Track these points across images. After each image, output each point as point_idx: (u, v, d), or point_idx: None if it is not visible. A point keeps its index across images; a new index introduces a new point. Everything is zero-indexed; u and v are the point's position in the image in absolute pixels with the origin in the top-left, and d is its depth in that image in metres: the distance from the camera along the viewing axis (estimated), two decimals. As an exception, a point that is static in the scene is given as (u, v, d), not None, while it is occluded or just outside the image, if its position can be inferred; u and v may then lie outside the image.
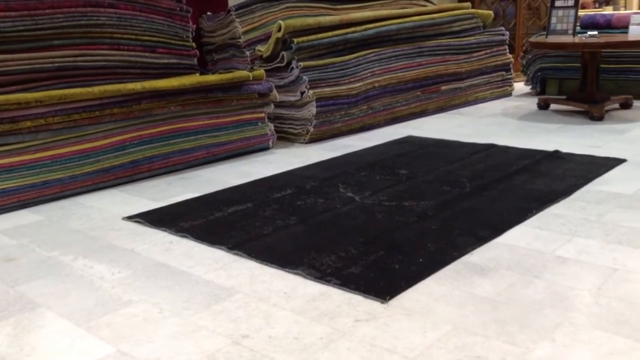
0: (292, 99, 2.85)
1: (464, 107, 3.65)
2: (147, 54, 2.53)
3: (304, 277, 1.39)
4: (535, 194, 1.89)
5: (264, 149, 2.73)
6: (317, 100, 2.80)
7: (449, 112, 3.52)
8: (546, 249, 1.50)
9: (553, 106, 3.40)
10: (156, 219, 1.83)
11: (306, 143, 2.85)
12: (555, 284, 1.31)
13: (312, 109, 2.80)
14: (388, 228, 1.66)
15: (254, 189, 2.12)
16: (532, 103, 3.61)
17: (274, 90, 2.72)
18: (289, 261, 1.47)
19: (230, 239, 1.64)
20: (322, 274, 1.39)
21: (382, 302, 1.26)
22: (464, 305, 1.24)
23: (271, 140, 2.75)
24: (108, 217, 1.89)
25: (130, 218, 1.86)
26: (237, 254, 1.54)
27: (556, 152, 2.40)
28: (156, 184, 2.25)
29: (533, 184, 2.00)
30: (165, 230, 1.74)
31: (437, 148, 2.60)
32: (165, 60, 2.60)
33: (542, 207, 1.77)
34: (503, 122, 3.14)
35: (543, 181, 2.02)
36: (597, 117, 3.02)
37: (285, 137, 2.93)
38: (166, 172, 2.37)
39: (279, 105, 2.87)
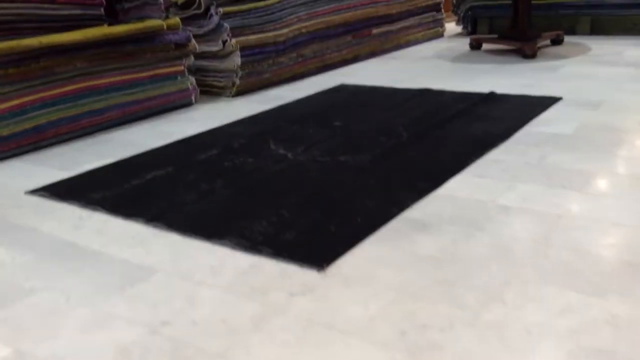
0: (214, 49, 2.64)
1: (396, 51, 3.53)
2: (45, 5, 2.24)
3: (233, 247, 1.25)
4: (473, 139, 1.81)
5: (186, 104, 2.53)
6: (242, 49, 2.61)
7: (381, 57, 3.39)
8: (488, 198, 1.41)
9: (485, 46, 3.33)
10: (64, 191, 1.64)
11: (233, 96, 2.66)
12: (500, 236, 1.23)
13: (237, 60, 2.60)
14: (323, 187, 1.54)
15: (176, 150, 1.94)
16: (464, 44, 3.52)
17: (193, 40, 2.50)
18: (215, 231, 1.33)
19: (149, 209, 1.47)
20: (252, 243, 1.25)
21: (318, 271, 1.14)
22: (406, 267, 1.14)
23: (193, 95, 2.55)
24: (8, 193, 1.68)
25: (33, 192, 1.65)
26: (156, 227, 1.38)
27: (491, 93, 2.32)
28: (64, 151, 2.02)
29: (470, 128, 1.92)
30: (74, 204, 1.55)
31: (371, 96, 2.48)
32: (67, 12, 2.31)
33: (481, 153, 1.69)
34: (436, 64, 3.05)
35: (480, 125, 1.94)
36: (529, 55, 2.96)
37: (210, 91, 2.72)
38: (75, 137, 2.15)
39: (200, 56, 2.66)
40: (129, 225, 1.41)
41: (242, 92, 2.69)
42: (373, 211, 1.37)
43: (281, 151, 1.84)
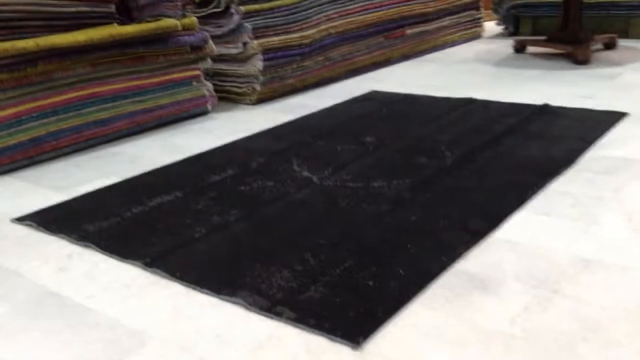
0: (234, 51, 2.41)
1: (431, 53, 3.26)
2: (49, 2, 2.03)
3: (246, 308, 1.02)
4: (530, 163, 1.54)
5: (202, 113, 2.30)
6: (264, 52, 2.37)
7: (415, 60, 3.12)
8: (560, 246, 1.15)
9: (530, 49, 3.04)
10: (54, 219, 1.41)
11: (253, 104, 2.43)
12: (584, 303, 0.97)
13: (259, 63, 2.36)
14: (356, 222, 1.29)
15: (187, 169, 1.71)
16: (505, 46, 3.24)
17: (210, 42, 2.27)
18: (226, 282, 1.09)
19: (150, 247, 1.24)
20: (270, 303, 1.01)
21: (353, 348, 0.90)
22: (467, 343, 0.89)
23: (210, 103, 2.32)
24: (-7, 219, 1.47)
25: (20, 220, 1.43)
26: (156, 273, 1.15)
27: (546, 106, 2.05)
28: (62, 168, 1.80)
29: (526, 149, 1.65)
30: (63, 238, 1.32)
31: (406, 105, 2.22)
32: (74, 9, 2.10)
33: (542, 182, 1.43)
34: (477, 69, 2.77)
35: (537, 145, 1.67)
36: (582, 60, 2.67)
37: (228, 98, 2.49)
38: (77, 151, 1.92)
39: (218, 59, 2.42)
40: (124, 269, 1.18)
41: (262, 99, 2.45)
42: (419, 259, 1.11)
43: (305, 173, 1.60)
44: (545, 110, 2.00)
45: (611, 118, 1.87)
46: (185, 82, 2.21)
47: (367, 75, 2.84)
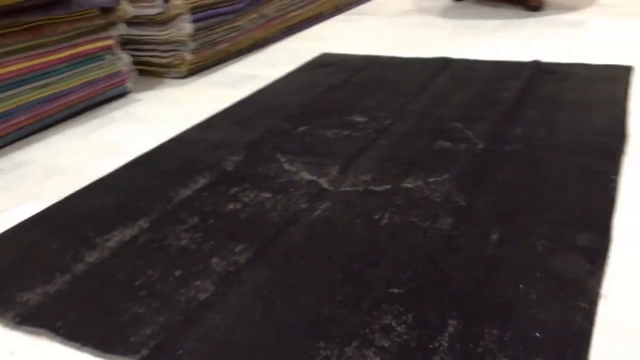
0: (151, 11, 1.90)
1: (363, 3, 2.90)
2: None
3: None
4: (580, 142, 1.26)
5: (121, 94, 1.80)
6: (193, 10, 1.89)
7: (348, 13, 2.76)
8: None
9: (471, -4, 2.79)
10: (-35, 291, 0.93)
11: (183, 77, 1.95)
12: None
13: (187, 26, 1.88)
14: (420, 251, 0.94)
15: (137, 182, 1.25)
16: (439, -7, 2.96)
17: (123, 2, 1.75)
18: (287, 382, 0.71)
19: (140, 327, 0.81)
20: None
21: None
22: None
23: (129, 81, 1.82)
24: None
25: None
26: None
27: (537, 63, 1.79)
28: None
29: (560, 123, 1.37)
30: (-9, 324, 0.86)
31: (377, 71, 1.87)
32: None
33: (613, 165, 1.15)
34: (425, 22, 2.47)
35: (569, 116, 1.40)
36: (535, 6, 2.46)
37: (147, 71, 1.99)
38: (-35, 165, 1.39)
39: (133, 23, 1.91)
40: (112, 376, 0.75)
41: (193, 70, 1.98)
42: (546, 309, 0.80)
43: (306, 176, 1.21)
44: (542, 69, 1.74)
45: (620, 73, 1.65)
46: (97, 56, 1.70)
47: (303, 34, 2.44)
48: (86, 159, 1.38)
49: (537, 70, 1.73)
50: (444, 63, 1.87)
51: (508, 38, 2.11)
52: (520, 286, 0.84)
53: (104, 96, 1.73)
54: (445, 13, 2.58)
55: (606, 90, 1.54)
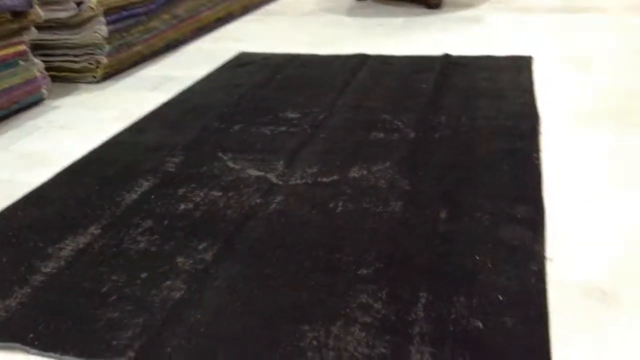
0: (62, 14, 1.82)
1: (268, 4, 2.94)
2: None
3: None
4: (500, 126, 1.38)
5: (37, 102, 1.72)
6: (107, 12, 1.84)
7: (256, 14, 2.78)
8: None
9: (373, -5, 2.90)
10: None
11: (98, 81, 1.89)
12: None
13: (102, 29, 1.83)
14: (380, 233, 0.99)
15: (77, 191, 1.21)
16: (341, -7, 3.05)
17: (35, 6, 1.67)
18: (282, 365, 0.74)
19: (118, 330, 0.81)
20: (376, 386, 0.70)
21: None
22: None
23: (44, 87, 1.74)
24: None
25: None
26: (160, 377, 0.74)
27: (448, 56, 1.92)
28: None
29: (478, 109, 1.49)
30: (-47, 346, 0.81)
31: (300, 69, 1.91)
32: None
33: (534, 145, 1.27)
34: (335, 21, 2.55)
35: (485, 104, 1.52)
36: (435, 4, 2.61)
37: (59, 77, 1.91)
38: None
39: (43, 27, 1.82)
40: (100, 381, 0.74)
41: (109, 74, 1.92)
42: (502, 274, 0.88)
43: (254, 172, 1.23)
44: (452, 61, 1.86)
45: (521, 63, 1.80)
46: (11, 62, 1.61)
47: (214, 34, 2.44)
48: (15, 170, 1.32)
49: (449, 63, 1.85)
50: (362, 59, 1.95)
51: (415, 34, 2.24)
52: (476, 257, 0.92)
53: (20, 104, 1.65)
54: (351, 12, 2.67)
55: (513, 78, 1.69)
